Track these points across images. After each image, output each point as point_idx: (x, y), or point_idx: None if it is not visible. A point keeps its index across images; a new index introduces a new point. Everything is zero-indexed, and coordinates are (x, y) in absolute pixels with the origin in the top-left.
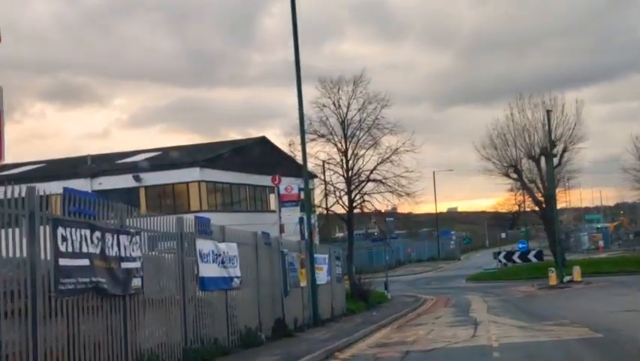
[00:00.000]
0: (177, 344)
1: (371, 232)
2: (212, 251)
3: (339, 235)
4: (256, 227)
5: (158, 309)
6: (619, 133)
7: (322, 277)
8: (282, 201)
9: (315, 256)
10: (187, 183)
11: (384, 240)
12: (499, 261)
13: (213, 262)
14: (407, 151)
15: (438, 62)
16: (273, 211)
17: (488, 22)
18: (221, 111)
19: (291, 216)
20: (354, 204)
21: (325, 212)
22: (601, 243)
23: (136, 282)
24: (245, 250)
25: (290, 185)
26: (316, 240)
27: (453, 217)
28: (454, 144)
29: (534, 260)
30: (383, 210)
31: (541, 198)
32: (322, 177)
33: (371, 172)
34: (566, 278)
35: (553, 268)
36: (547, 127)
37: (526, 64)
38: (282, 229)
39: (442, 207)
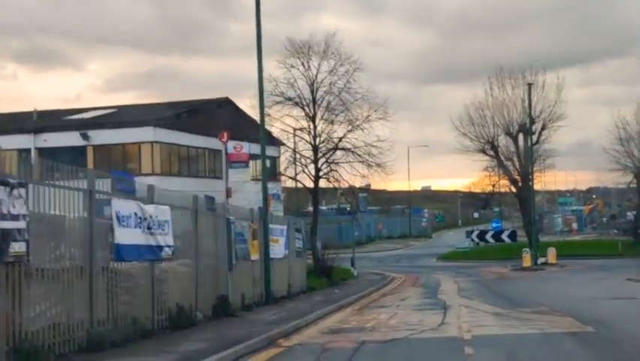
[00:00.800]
0: (79, 325)
1: (343, 206)
2: (135, 214)
3: (312, 208)
4: (215, 196)
5: (52, 282)
6: (593, 117)
7: (278, 250)
8: (230, 162)
9: (271, 226)
10: (139, 143)
11: (352, 214)
12: (472, 240)
13: (136, 226)
14: (379, 119)
15: (419, 40)
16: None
17: (471, 1)
18: (198, 80)
19: (241, 179)
20: (321, 174)
21: (290, 181)
22: (575, 225)
23: (17, 247)
24: (181, 216)
25: (239, 144)
26: (279, 210)
27: (427, 196)
28: (431, 123)
29: (507, 240)
30: (358, 186)
31: (518, 177)
32: (288, 144)
33: (340, 140)
34: (540, 260)
35: (527, 249)
36: (527, 102)
37: (507, 45)
38: (228, 194)
39: (417, 186)
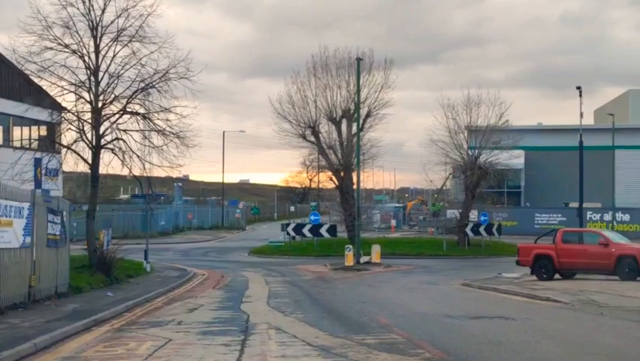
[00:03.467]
0: None
1: (159, 194)
2: None
3: (124, 196)
4: None
5: None
6: (403, 121)
7: (10, 237)
8: None
9: None
10: None
11: (143, 197)
12: (288, 233)
13: None
14: (180, 78)
15: (239, 32)
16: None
17: None
18: None
19: None
20: (104, 143)
21: (66, 150)
22: (393, 222)
23: None
24: None
25: None
26: (57, 190)
27: (244, 188)
28: (250, 117)
29: (326, 235)
30: (175, 176)
31: (339, 167)
32: (65, 105)
33: (128, 101)
34: (363, 258)
35: (350, 246)
36: (351, 86)
37: (327, 43)
38: None
39: (235, 179)
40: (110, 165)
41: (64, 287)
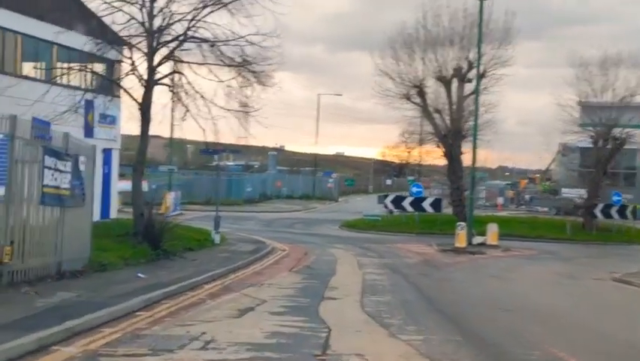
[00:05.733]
0: None
1: (251, 163)
2: None
3: (221, 163)
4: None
5: None
6: (500, 98)
7: None
8: None
9: None
10: None
11: (209, 152)
12: (385, 206)
13: None
14: None
15: (335, 3)
16: (50, 81)
17: None
18: None
19: None
20: (158, 77)
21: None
22: (500, 200)
23: None
24: None
25: None
26: (112, 139)
27: (339, 160)
28: (345, 90)
29: (430, 210)
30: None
31: (448, 132)
32: (114, 27)
33: (191, 24)
34: (476, 239)
35: (463, 224)
36: (464, 41)
37: None
38: None
39: (330, 151)
40: (166, 107)
41: (80, 264)
